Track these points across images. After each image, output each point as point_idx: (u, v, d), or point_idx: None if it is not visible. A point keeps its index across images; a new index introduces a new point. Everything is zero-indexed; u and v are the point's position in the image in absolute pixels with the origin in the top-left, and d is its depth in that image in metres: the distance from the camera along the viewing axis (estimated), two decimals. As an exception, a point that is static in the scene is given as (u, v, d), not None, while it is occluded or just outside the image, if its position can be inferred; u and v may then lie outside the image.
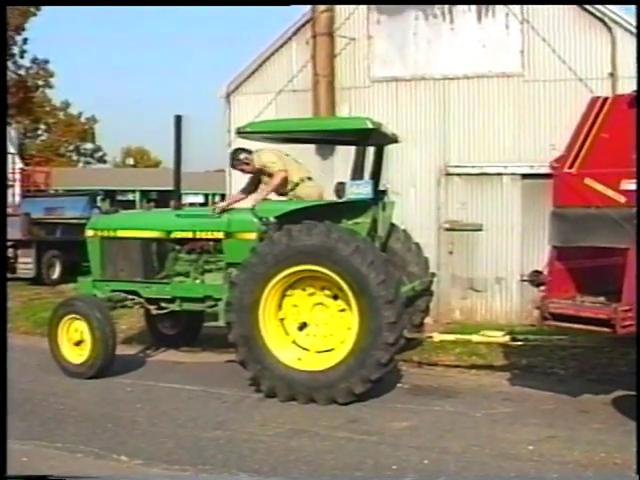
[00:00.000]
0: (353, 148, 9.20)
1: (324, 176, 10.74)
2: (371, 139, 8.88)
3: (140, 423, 7.21)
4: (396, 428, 6.99)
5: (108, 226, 9.91)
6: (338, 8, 12.50)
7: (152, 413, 7.53)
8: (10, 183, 28.51)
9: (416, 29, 12.41)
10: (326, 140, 10.75)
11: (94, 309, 8.97)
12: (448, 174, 12.22)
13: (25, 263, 17.73)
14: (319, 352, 8.06)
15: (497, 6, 11.96)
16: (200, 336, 10.70)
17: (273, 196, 9.29)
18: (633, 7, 10.07)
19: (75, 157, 68.46)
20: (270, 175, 9.20)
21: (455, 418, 7.27)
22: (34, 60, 47.15)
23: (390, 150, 9.71)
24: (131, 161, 69.58)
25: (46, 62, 48.39)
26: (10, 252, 17.32)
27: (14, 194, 28.97)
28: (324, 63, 12.38)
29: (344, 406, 7.60)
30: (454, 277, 12.16)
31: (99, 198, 21.20)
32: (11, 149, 31.37)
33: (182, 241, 9.46)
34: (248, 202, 9.21)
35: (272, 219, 8.48)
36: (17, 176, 31.66)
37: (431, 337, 8.95)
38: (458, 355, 9.66)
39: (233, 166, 9.71)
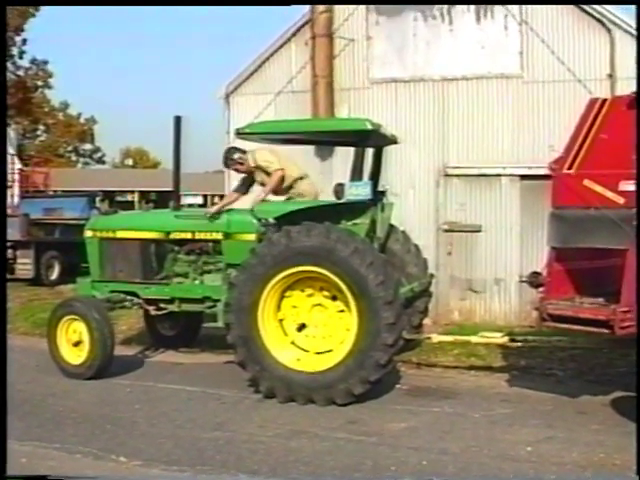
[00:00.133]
0: (352, 149, 9.21)
1: (323, 177, 10.75)
2: (370, 140, 8.88)
3: (139, 424, 7.21)
4: (395, 429, 6.99)
5: (107, 227, 9.91)
6: (337, 9, 12.51)
7: (151, 414, 7.53)
8: (9, 184, 28.51)
9: (415, 30, 12.42)
10: (325, 141, 10.75)
11: (92, 310, 8.97)
12: (447, 175, 12.22)
13: (24, 264, 17.73)
14: (318, 353, 8.07)
15: (496, 7, 11.98)
16: (199, 337, 10.70)
17: (270, 195, 9.27)
18: (632, 8, 10.08)
19: (74, 158, 68.46)
20: (267, 174, 9.19)
21: (454, 419, 7.27)
22: (33, 61, 47.25)
23: (389, 151, 9.70)
24: (130, 162, 69.56)
25: (45, 63, 48.47)
26: (9, 253, 17.31)
27: (13, 195, 29.01)
28: (323, 64, 12.39)
29: (343, 407, 7.60)
30: (453, 278, 12.17)
31: (98, 199, 21.17)
32: (10, 150, 31.34)
33: (181, 242, 9.46)
34: (244, 202, 9.20)
35: (271, 220, 8.48)
36: (16, 177, 31.71)
37: (430, 338, 8.96)
38: (457, 356, 9.66)
39: (227, 165, 9.67)
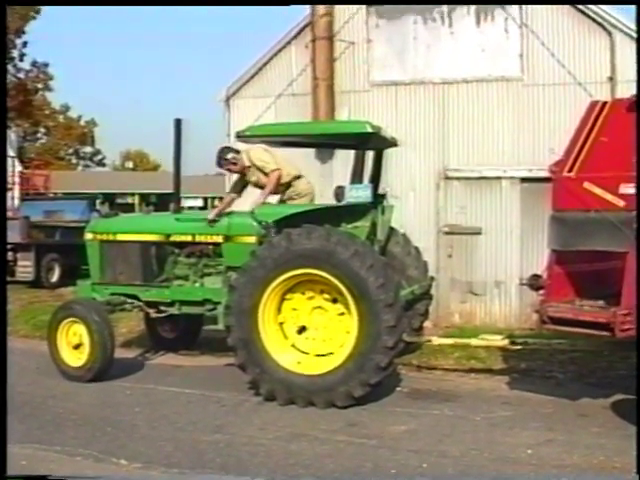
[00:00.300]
0: (352, 152, 9.21)
1: (323, 180, 10.75)
2: (370, 143, 8.89)
3: (139, 426, 7.20)
4: (395, 432, 6.99)
5: (107, 229, 9.91)
6: (337, 12, 12.51)
7: (151, 416, 7.53)
8: (9, 186, 28.53)
9: (415, 33, 12.42)
10: (325, 144, 10.75)
11: (93, 312, 8.97)
12: (447, 178, 12.22)
13: (24, 266, 17.72)
14: (318, 356, 8.06)
15: (496, 10, 11.99)
16: (199, 339, 10.71)
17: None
18: (632, 10, 10.08)
19: (74, 160, 68.55)
20: (264, 174, 9.18)
21: (454, 422, 7.26)
22: (34, 63, 47.33)
23: (389, 154, 9.71)
24: (130, 164, 69.67)
25: (46, 65, 48.57)
26: (9, 255, 17.29)
27: (13, 197, 29.01)
28: (323, 67, 12.39)
29: (343, 410, 7.59)
30: (453, 281, 12.16)
31: (98, 201, 21.17)
32: (11, 152, 31.37)
33: (181, 245, 9.47)
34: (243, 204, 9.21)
35: (271, 223, 8.48)
36: (16, 179, 31.71)
37: (430, 341, 8.97)
38: (457, 359, 9.66)
39: (220, 165, 9.58)
